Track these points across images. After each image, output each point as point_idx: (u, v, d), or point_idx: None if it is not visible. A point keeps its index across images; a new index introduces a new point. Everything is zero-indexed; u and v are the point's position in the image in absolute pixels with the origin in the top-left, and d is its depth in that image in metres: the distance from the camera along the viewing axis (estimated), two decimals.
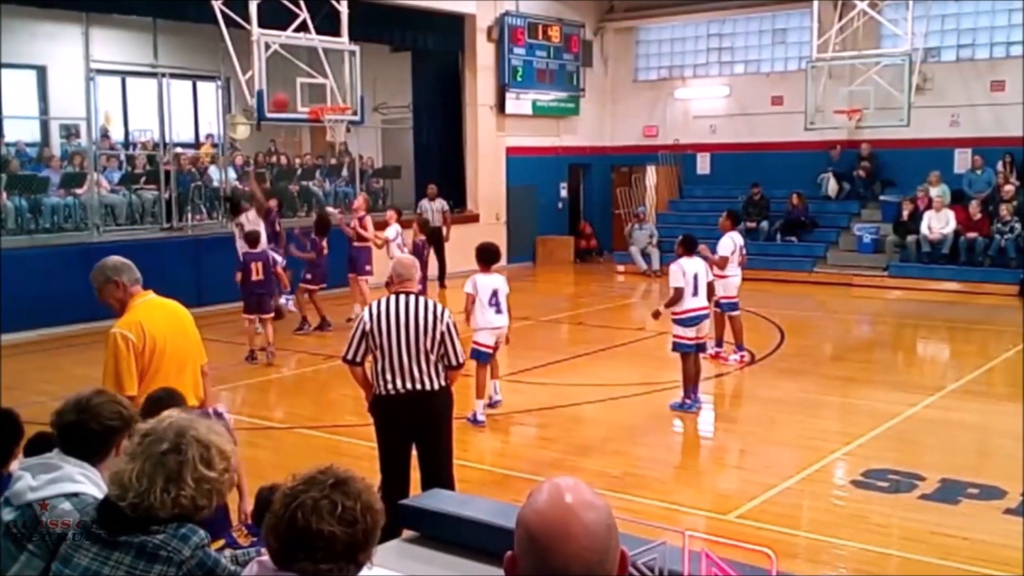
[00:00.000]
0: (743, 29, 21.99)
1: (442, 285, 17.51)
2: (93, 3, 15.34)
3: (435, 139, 20.79)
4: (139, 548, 2.52)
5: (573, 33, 21.87)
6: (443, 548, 3.83)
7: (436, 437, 5.86)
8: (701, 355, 9.63)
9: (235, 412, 9.38)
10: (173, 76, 17.98)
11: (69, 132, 17.61)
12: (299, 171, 19.29)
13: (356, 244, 14.02)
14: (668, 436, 9.09)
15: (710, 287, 9.58)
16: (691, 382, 9.32)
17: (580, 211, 23.55)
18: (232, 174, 17.65)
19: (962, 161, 18.85)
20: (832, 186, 19.90)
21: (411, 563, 3.75)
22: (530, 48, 20.83)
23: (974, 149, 18.59)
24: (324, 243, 13.64)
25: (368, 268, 13.97)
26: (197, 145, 19.56)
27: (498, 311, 8.86)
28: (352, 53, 14.66)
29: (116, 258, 5.10)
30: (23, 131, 17.47)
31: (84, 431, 3.07)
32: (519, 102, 20.87)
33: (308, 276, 13.50)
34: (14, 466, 3.61)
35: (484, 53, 20.29)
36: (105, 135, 17.81)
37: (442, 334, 5.69)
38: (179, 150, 17.84)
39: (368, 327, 5.71)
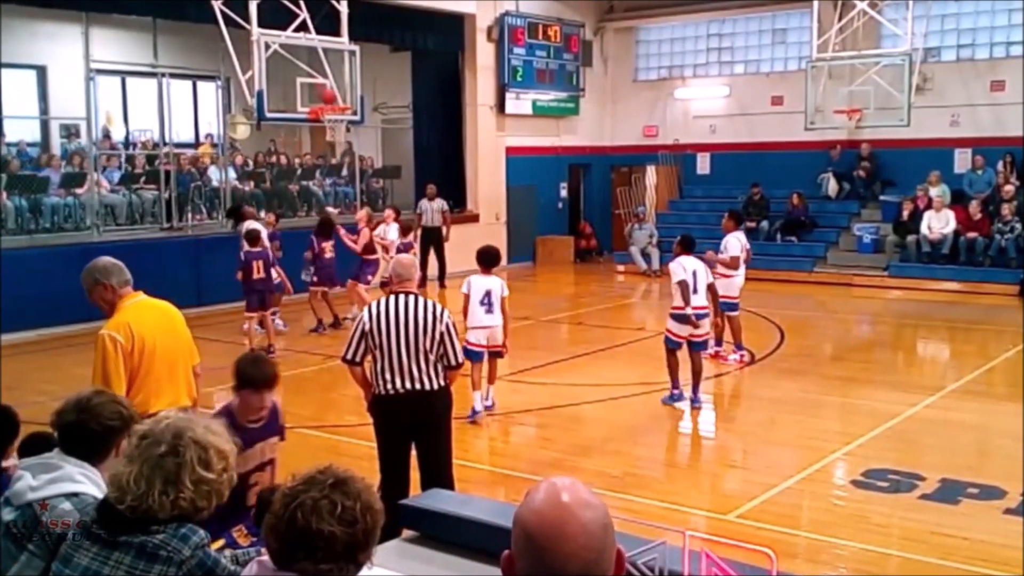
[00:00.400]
0: (743, 29, 21.98)
1: (442, 285, 17.50)
2: (93, 3, 15.32)
3: (435, 139, 20.78)
4: (139, 548, 2.52)
5: (573, 33, 21.86)
6: (443, 548, 3.83)
7: (435, 437, 5.87)
8: (702, 353, 9.66)
9: None
10: (173, 76, 17.97)
11: (69, 132, 17.61)
12: (299, 171, 19.29)
13: (366, 257, 13.75)
14: (668, 436, 9.09)
15: (711, 288, 9.60)
16: (676, 377, 9.46)
17: (580, 211, 23.54)
18: (232, 174, 17.64)
19: (962, 161, 18.84)
20: (832, 186, 19.89)
21: (411, 563, 3.75)
22: (530, 48, 20.83)
23: (974, 149, 18.58)
24: (327, 245, 13.64)
25: (369, 278, 13.77)
26: (197, 145, 19.56)
27: (488, 311, 8.90)
28: (352, 53, 14.67)
29: (105, 260, 5.10)
30: (23, 131, 17.48)
31: (84, 431, 3.07)
32: (519, 102, 20.87)
33: (314, 279, 13.57)
34: (10, 462, 3.61)
35: (484, 53, 20.29)
36: (107, 135, 17.81)
37: (441, 334, 5.70)
38: (179, 150, 17.83)
39: (367, 327, 5.72)
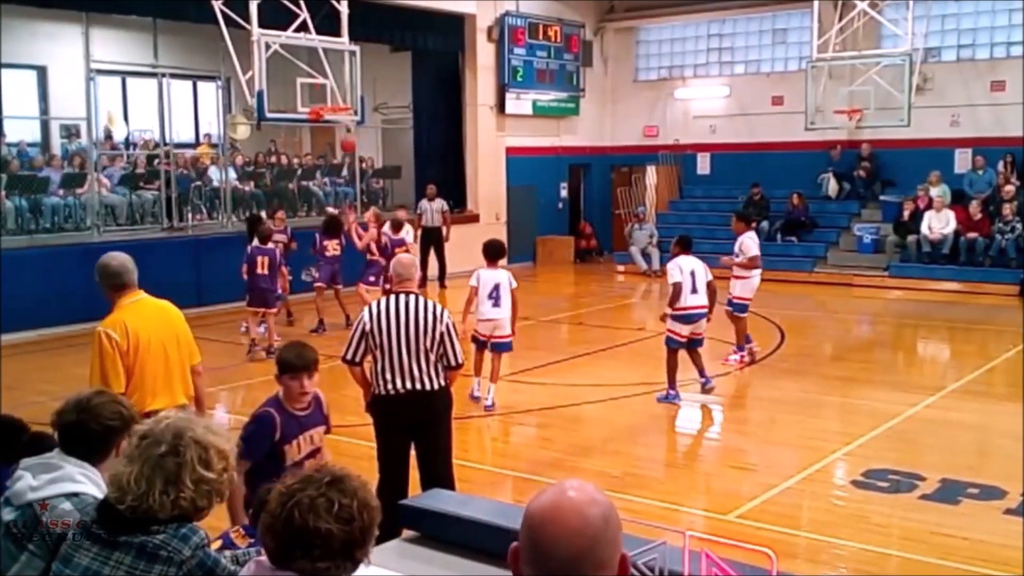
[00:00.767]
0: (743, 29, 21.98)
1: (442, 285, 17.50)
2: (93, 3, 15.32)
3: (435, 139, 20.78)
4: (139, 548, 2.52)
5: (573, 33, 21.86)
6: (443, 548, 3.83)
7: (435, 436, 5.87)
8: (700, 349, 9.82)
9: (235, 412, 9.38)
10: (173, 76, 17.98)
11: (69, 132, 17.61)
12: (299, 171, 19.29)
13: (369, 258, 13.55)
14: (668, 436, 9.10)
15: (710, 286, 9.63)
16: (674, 377, 9.57)
17: (580, 211, 23.54)
18: (232, 174, 17.64)
19: (962, 161, 18.84)
20: (832, 186, 19.89)
21: (411, 563, 3.75)
22: (530, 48, 20.83)
23: (974, 149, 18.58)
24: (330, 244, 13.65)
25: (371, 279, 13.71)
26: (197, 146, 19.56)
27: (495, 304, 9.26)
28: (352, 53, 14.66)
29: (117, 261, 5.12)
30: (24, 131, 17.48)
31: (84, 431, 3.07)
32: (519, 102, 20.86)
33: (316, 276, 13.60)
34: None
35: (484, 53, 20.29)
36: (108, 136, 17.81)
37: (441, 334, 5.71)
38: (179, 150, 17.83)
39: (368, 327, 5.73)
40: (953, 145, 18.91)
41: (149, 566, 2.50)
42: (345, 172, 19.91)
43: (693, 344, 9.64)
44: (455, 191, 20.13)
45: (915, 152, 18.80)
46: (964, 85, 18.87)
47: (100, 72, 16.24)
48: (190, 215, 16.79)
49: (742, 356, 11.43)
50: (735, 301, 11.19)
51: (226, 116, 17.60)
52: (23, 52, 17.36)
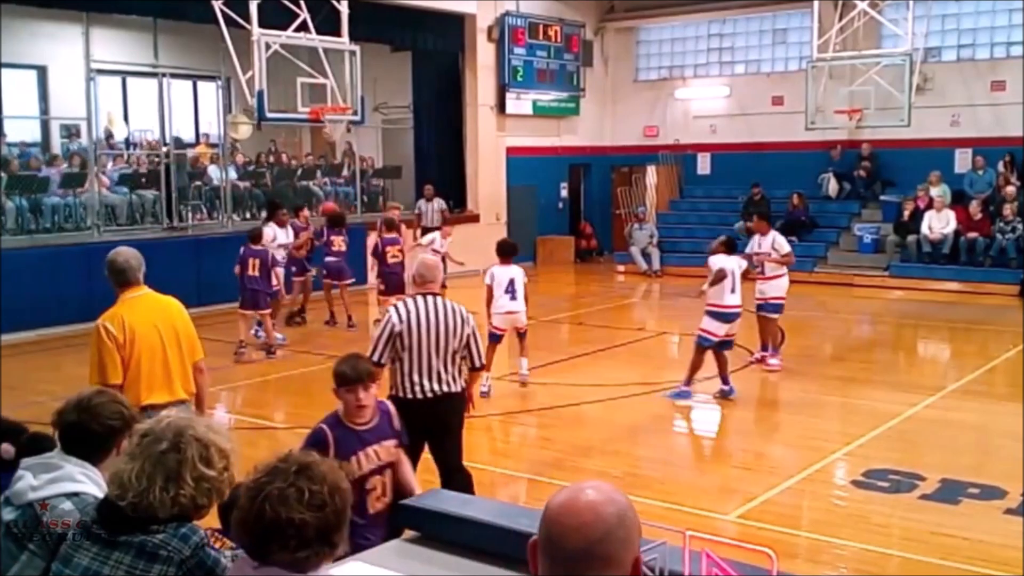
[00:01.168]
0: (743, 29, 21.98)
1: (442, 285, 17.47)
2: (93, 3, 15.33)
3: (435, 139, 20.78)
4: (139, 548, 2.52)
5: (573, 33, 21.86)
6: (443, 548, 3.82)
7: (450, 437, 5.87)
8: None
9: (235, 412, 9.39)
10: (173, 76, 17.98)
11: (70, 132, 17.60)
12: (299, 171, 19.28)
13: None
14: (668, 436, 9.09)
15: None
16: (693, 376, 9.58)
17: (580, 211, 23.54)
18: (233, 174, 17.63)
19: (962, 161, 18.85)
20: (832, 186, 19.89)
21: (411, 563, 3.74)
22: (530, 48, 20.82)
23: (974, 149, 18.58)
24: (337, 239, 13.66)
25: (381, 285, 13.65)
26: (197, 146, 19.55)
27: (512, 298, 9.79)
28: (352, 53, 14.66)
29: (123, 258, 5.14)
30: (24, 131, 17.47)
31: (85, 431, 3.07)
32: (519, 102, 20.86)
33: (323, 272, 13.65)
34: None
35: (484, 53, 20.28)
36: (109, 136, 17.80)
37: (468, 336, 5.77)
38: (180, 150, 17.82)
39: (398, 328, 5.66)
40: (953, 145, 18.91)
41: (149, 566, 2.50)
42: (345, 172, 19.91)
43: (724, 346, 9.59)
44: (455, 191, 20.13)
45: (915, 152, 18.80)
46: (964, 85, 18.87)
47: (100, 72, 16.26)
48: (190, 215, 16.78)
49: (763, 356, 11.20)
50: (772, 302, 11.06)
51: (226, 116, 17.59)
52: (23, 52, 17.34)
